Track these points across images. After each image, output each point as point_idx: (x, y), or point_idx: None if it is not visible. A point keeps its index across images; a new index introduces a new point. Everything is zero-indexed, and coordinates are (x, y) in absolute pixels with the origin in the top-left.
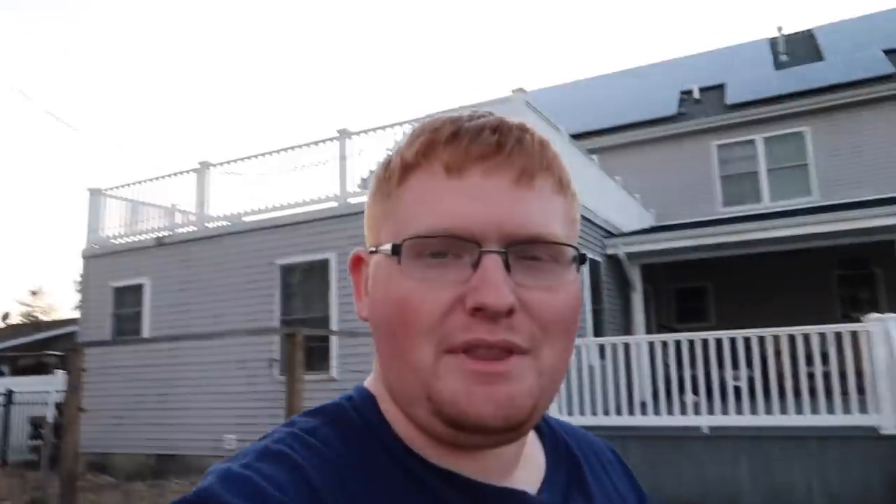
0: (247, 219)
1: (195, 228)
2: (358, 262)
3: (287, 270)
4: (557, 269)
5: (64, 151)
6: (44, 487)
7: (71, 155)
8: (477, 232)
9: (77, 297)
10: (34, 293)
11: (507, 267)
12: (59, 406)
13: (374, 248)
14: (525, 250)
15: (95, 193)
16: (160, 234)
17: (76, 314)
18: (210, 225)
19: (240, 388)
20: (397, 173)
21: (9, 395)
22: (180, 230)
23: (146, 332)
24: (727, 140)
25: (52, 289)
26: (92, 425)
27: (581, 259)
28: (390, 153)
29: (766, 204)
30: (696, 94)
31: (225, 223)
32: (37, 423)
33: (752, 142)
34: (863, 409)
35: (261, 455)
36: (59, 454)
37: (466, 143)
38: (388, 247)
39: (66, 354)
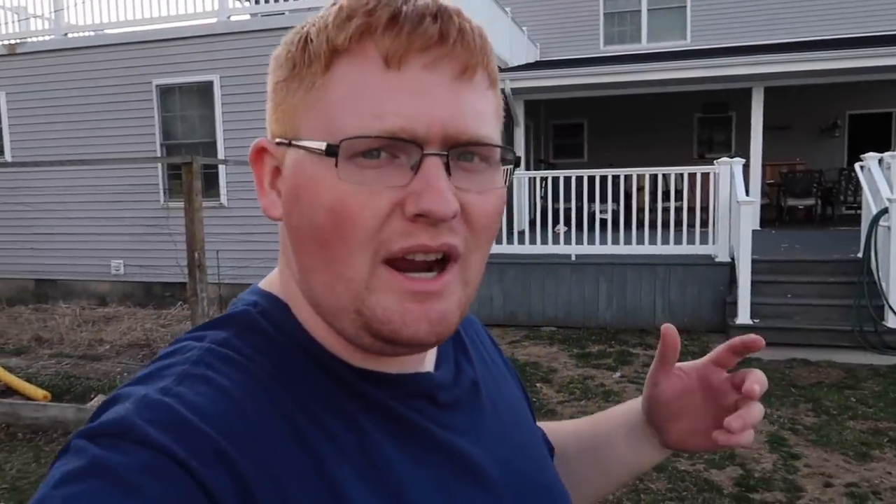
0: (113, 31)
1: (53, 37)
2: (261, 153)
3: (165, 91)
4: (489, 172)
5: None
6: None
7: None
8: (420, 133)
9: None
10: None
11: (448, 171)
12: None
13: (288, 141)
14: (463, 153)
15: None
16: (11, 42)
17: None
18: (71, 35)
19: (125, 215)
20: (323, 59)
21: None
22: (35, 39)
23: (7, 151)
24: None
25: None
26: None
27: (516, 162)
28: (306, 31)
29: (645, 45)
30: None
31: (88, 33)
32: None
33: None
34: (704, 240)
35: (181, 378)
36: None
37: (407, 31)
38: (319, 145)
39: None
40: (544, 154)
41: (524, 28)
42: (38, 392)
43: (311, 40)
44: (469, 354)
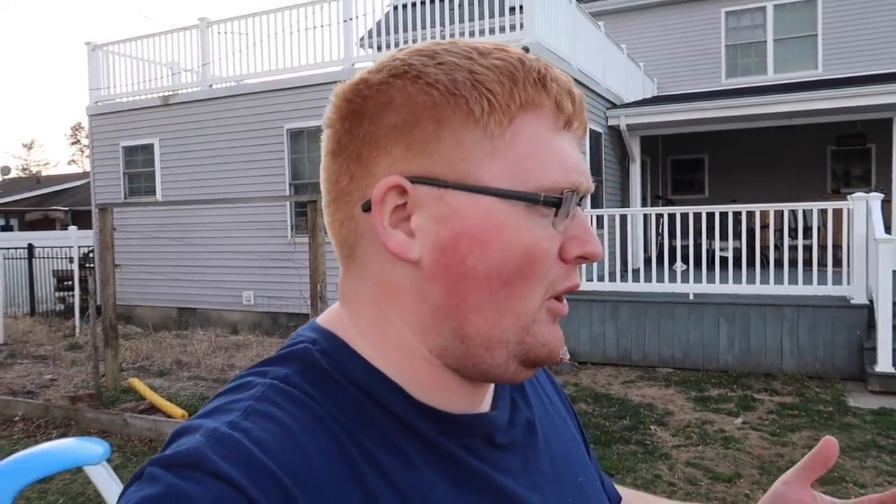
0: (251, 81)
1: (200, 88)
2: (390, 193)
3: (295, 134)
4: None
5: (51, 2)
6: (78, 334)
7: (61, 5)
8: (584, 187)
9: (71, 151)
10: (27, 146)
11: None
12: (83, 260)
13: (451, 183)
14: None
15: (94, 48)
16: (165, 94)
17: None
18: (215, 86)
19: (256, 248)
20: (511, 110)
21: (30, 248)
22: (185, 90)
23: (159, 191)
24: (737, 6)
25: (44, 142)
26: (117, 279)
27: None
28: (472, 80)
29: (771, 76)
30: None
31: (230, 84)
32: (61, 277)
33: (762, 9)
34: (837, 280)
35: (247, 413)
36: (90, 306)
37: (574, 98)
38: (532, 195)
39: (100, 213)
40: (662, 190)
41: (640, 63)
42: (178, 411)
43: (494, 91)
44: (525, 392)
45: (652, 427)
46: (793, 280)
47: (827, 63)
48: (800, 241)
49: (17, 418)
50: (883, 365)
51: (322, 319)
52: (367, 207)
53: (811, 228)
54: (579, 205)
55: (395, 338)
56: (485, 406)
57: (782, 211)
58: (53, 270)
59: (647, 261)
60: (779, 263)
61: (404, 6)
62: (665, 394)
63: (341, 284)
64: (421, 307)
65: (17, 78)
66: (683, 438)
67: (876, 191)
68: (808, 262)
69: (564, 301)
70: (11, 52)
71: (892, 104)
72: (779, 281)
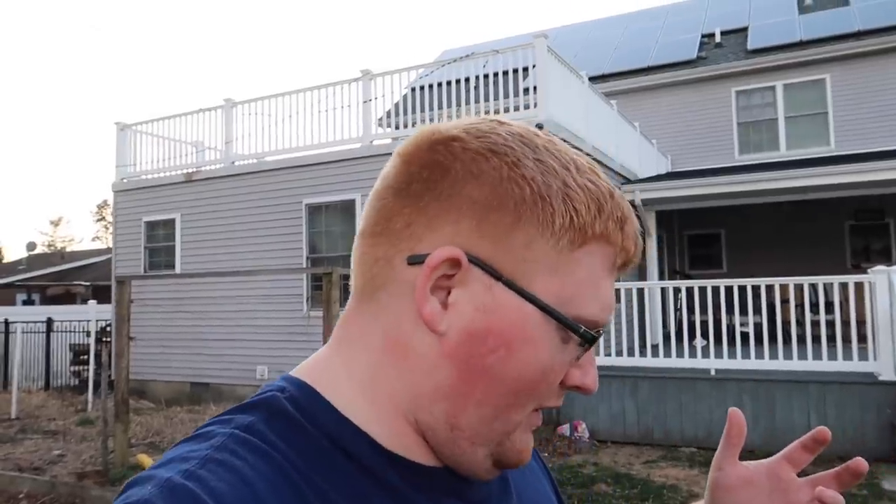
0: (271, 158)
1: (222, 165)
2: (446, 263)
3: (313, 209)
4: None
5: (81, 84)
6: (90, 409)
7: (91, 88)
8: (605, 321)
9: (96, 228)
10: (54, 223)
11: None
12: (100, 334)
13: (507, 280)
14: None
15: (123, 128)
16: (189, 171)
17: (97, 244)
18: (237, 163)
19: (271, 322)
20: (584, 235)
21: (49, 322)
22: (208, 167)
23: (178, 265)
24: (747, 86)
25: (70, 218)
26: (131, 353)
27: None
28: (564, 193)
29: (783, 152)
30: (718, 38)
31: (251, 161)
32: (77, 351)
33: (772, 88)
34: (863, 356)
35: (204, 462)
36: (102, 379)
37: (636, 250)
38: (569, 320)
39: (117, 285)
40: (679, 265)
41: (653, 140)
42: None
43: (580, 212)
44: None
45: None
46: (817, 355)
47: (839, 139)
48: (822, 316)
49: (21, 496)
50: None
51: (296, 370)
52: (413, 261)
53: (833, 303)
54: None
55: (387, 391)
56: None
57: (802, 285)
58: (70, 344)
59: (667, 336)
60: (801, 339)
61: (422, 88)
62: (689, 474)
63: (346, 319)
64: (424, 378)
65: (46, 156)
66: None
67: None
68: (831, 338)
69: (540, 412)
70: (42, 131)
71: None
72: (802, 356)
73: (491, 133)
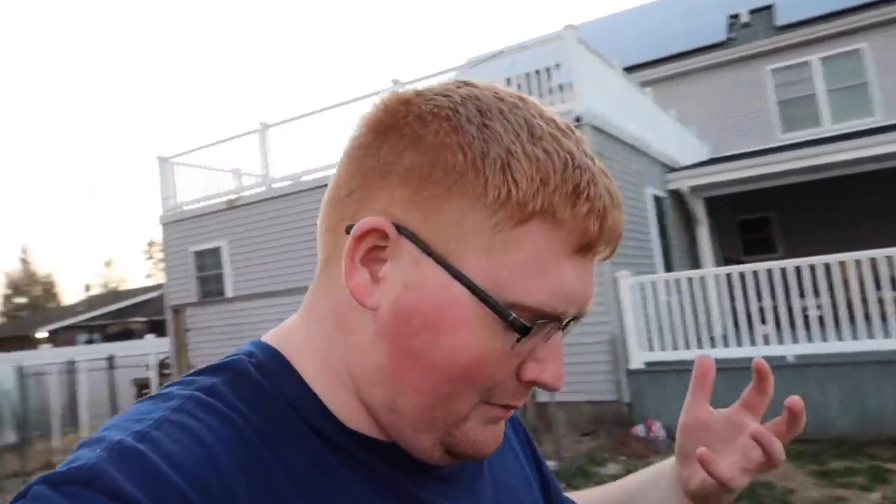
0: (306, 178)
1: (262, 189)
2: (373, 233)
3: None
4: None
5: (119, 122)
6: None
7: (128, 125)
8: (570, 314)
9: (147, 266)
10: (107, 264)
11: None
12: (161, 367)
13: (438, 257)
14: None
15: (164, 161)
16: (230, 198)
17: (148, 282)
18: (275, 185)
19: None
20: (525, 211)
21: (111, 359)
22: (247, 192)
23: (229, 291)
24: (781, 63)
25: (122, 258)
26: None
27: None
28: (504, 162)
29: (828, 127)
30: (745, 17)
31: (287, 182)
32: (140, 385)
33: (807, 63)
34: None
35: (159, 424)
36: None
37: (609, 226)
38: (498, 306)
39: (172, 314)
40: (732, 252)
41: (692, 127)
42: None
43: (519, 184)
44: None
45: None
46: None
47: (883, 109)
48: (888, 292)
49: None
50: None
51: (269, 335)
52: (349, 231)
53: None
54: (564, 328)
55: (336, 367)
56: None
57: (860, 260)
58: (132, 379)
59: (736, 325)
60: (883, 317)
61: None
62: (780, 469)
63: (310, 292)
64: (362, 357)
65: (95, 198)
66: None
67: None
68: None
69: (506, 408)
70: (87, 171)
71: None
72: (887, 335)
73: (441, 95)
